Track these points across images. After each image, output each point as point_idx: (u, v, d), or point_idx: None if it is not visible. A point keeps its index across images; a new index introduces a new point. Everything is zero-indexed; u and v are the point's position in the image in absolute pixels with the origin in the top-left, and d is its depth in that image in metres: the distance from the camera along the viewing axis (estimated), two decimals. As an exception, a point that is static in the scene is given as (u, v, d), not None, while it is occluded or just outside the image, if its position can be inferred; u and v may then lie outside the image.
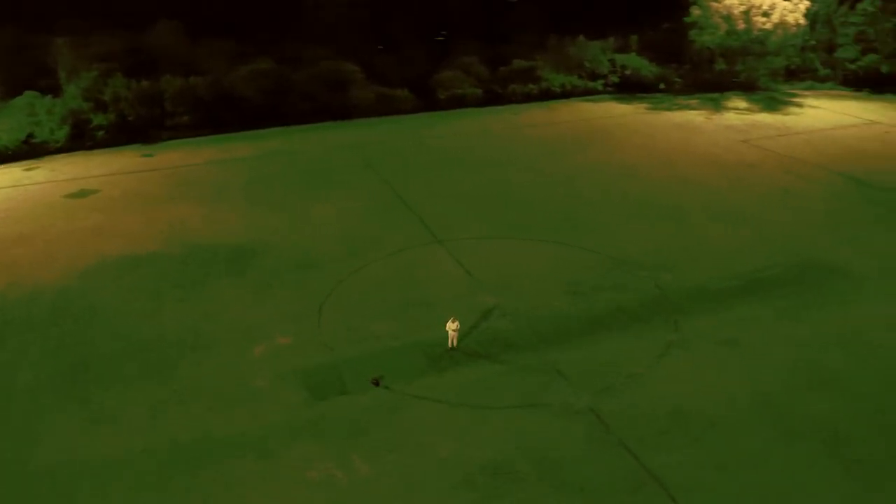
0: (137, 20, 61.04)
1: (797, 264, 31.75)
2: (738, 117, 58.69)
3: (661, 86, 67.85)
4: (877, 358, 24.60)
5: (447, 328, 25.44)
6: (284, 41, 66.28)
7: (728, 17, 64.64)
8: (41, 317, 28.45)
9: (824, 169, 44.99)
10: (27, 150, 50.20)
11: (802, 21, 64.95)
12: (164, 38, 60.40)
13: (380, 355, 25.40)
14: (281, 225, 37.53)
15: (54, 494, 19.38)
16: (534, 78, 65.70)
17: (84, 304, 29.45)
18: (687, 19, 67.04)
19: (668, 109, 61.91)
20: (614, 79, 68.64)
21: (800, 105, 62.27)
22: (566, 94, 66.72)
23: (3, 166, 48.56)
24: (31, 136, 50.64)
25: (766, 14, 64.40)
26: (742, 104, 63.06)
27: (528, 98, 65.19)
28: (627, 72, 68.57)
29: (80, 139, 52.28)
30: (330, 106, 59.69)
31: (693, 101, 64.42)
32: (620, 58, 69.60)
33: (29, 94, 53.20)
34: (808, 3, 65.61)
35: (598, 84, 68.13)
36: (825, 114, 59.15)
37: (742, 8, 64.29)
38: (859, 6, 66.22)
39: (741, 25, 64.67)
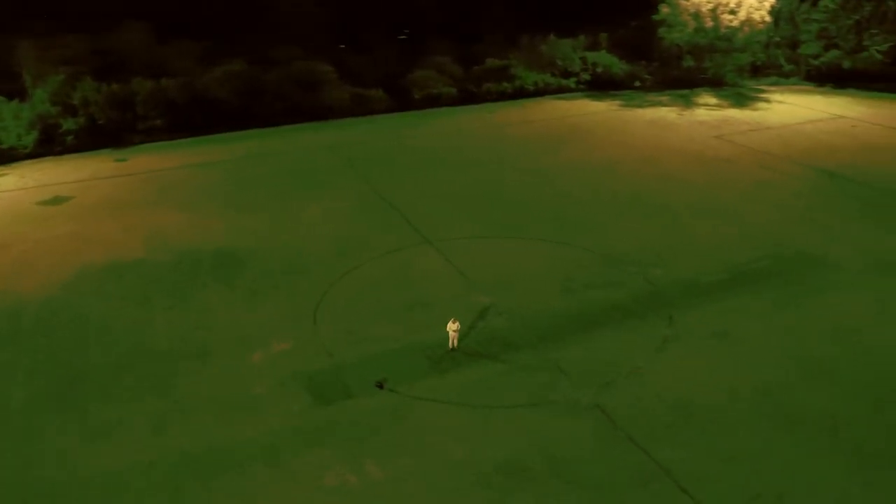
0: (101, 22, 59.67)
1: (782, 257, 32.53)
2: (710, 113, 59.83)
3: (637, 83, 68.74)
4: (867, 347, 25.34)
5: (448, 329, 25.48)
6: (254, 41, 65.53)
7: (696, 15, 65.82)
8: (28, 329, 27.69)
9: (797, 163, 46.13)
10: (-6, 157, 48.86)
11: (768, 18, 66.48)
12: (131, 39, 59.18)
13: (380, 358, 25.32)
14: (266, 228, 37.10)
15: (60, 511, 18.95)
16: (508, 76, 66.06)
17: (71, 314, 28.74)
18: (656, 17, 68.13)
19: (641, 106, 62.78)
20: (586, 76, 69.35)
21: (767, 101, 63.70)
22: (539, 92, 67.21)
23: (-31, 174, 47.15)
24: (-3, 142, 49.29)
25: (732, 12, 65.79)
26: (712, 100, 64.29)
27: (502, 96, 65.51)
28: (599, 69, 69.35)
29: (49, 144, 50.98)
30: (304, 107, 59.16)
31: (664, 98, 65.45)
32: (591, 56, 70.35)
33: (-6, 99, 51.78)
34: (772, 1, 67.18)
35: (571, 82, 68.77)
36: (793, 109, 60.64)
37: (710, 6, 65.58)
38: (821, 3, 67.93)
39: (709, 23, 65.92)
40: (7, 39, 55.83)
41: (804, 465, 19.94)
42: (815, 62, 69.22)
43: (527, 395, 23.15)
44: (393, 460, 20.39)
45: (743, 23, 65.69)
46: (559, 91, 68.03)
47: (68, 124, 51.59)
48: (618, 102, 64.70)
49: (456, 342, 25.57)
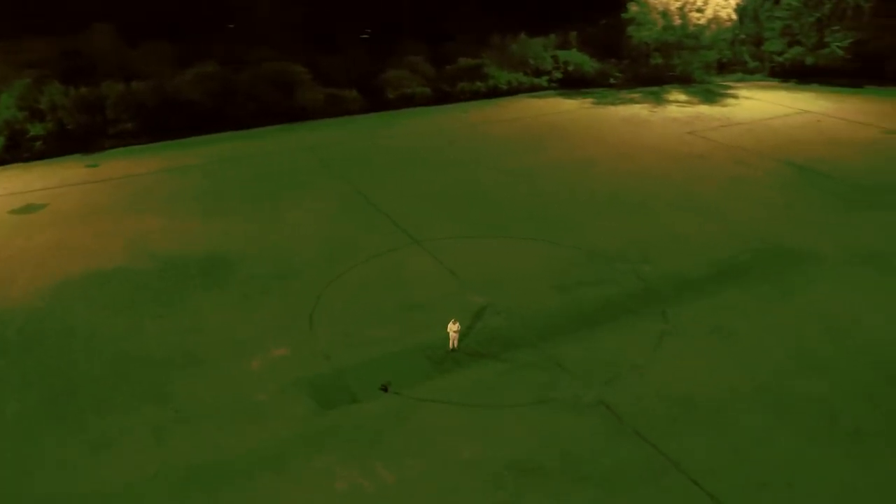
0: (67, 24, 58.24)
1: (765, 250, 33.28)
2: (681, 110, 60.83)
3: (612, 80, 69.47)
4: (857, 337, 26.11)
5: (448, 329, 25.49)
6: (224, 43, 64.66)
7: (665, 13, 66.86)
8: (14, 341, 26.86)
9: (769, 158, 47.21)
10: (-42, 165, 47.27)
11: (734, 16, 67.89)
12: (98, 41, 57.86)
13: (381, 361, 25.22)
14: (251, 233, 36.60)
15: (67, 528, 18.48)
16: (481, 76, 66.20)
17: (58, 325, 27.97)
18: (625, 15, 68.99)
19: (613, 104, 63.55)
20: (558, 75, 69.84)
21: (735, 97, 65.03)
22: (512, 90, 67.50)
23: (-67, 182, 45.53)
24: (-39, 148, 47.69)
25: (700, 10, 67.00)
26: (682, 97, 65.38)
27: (475, 96, 65.58)
28: (570, 68, 69.92)
29: (16, 150, 49.37)
30: (278, 108, 58.41)
31: (635, 95, 66.34)
32: (562, 54, 70.87)
33: (-45, 105, 50.07)
34: (738, -1, 68.72)
35: (543, 80, 69.21)
36: (760, 104, 62.02)
37: (678, 4, 66.67)
38: (784, 1, 69.57)
39: (677, 21, 67.03)
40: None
41: (806, 453, 20.48)
42: (779, 59, 70.87)
43: (531, 394, 23.30)
44: (403, 463, 20.35)
45: (710, 20, 66.95)
46: (532, 90, 68.42)
47: (36, 129, 50.07)
48: (590, 100, 65.38)
49: (456, 343, 25.60)
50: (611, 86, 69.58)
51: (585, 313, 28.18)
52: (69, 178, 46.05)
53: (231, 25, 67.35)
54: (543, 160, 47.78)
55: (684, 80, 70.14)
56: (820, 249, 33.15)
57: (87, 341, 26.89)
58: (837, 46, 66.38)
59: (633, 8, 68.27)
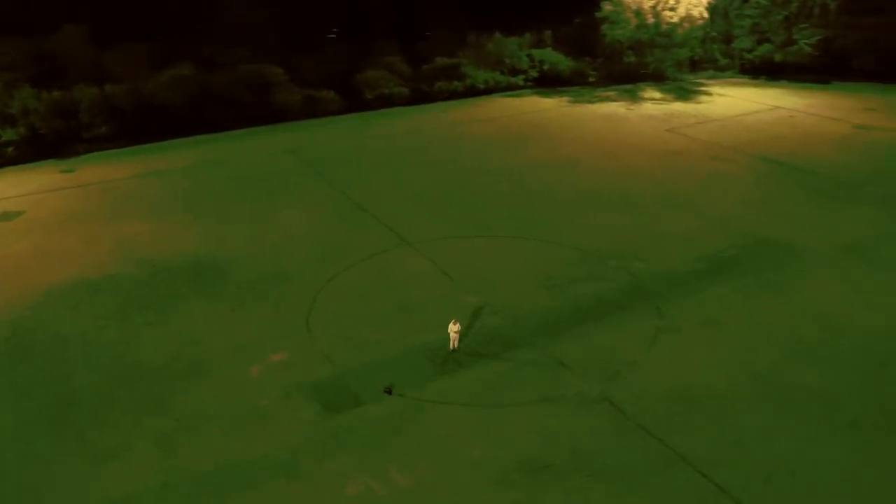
0: (36, 26, 56.85)
1: (750, 245, 33.98)
2: (657, 107, 61.69)
3: (591, 79, 70.06)
4: (847, 327, 26.85)
5: (449, 330, 25.57)
6: (197, 44, 63.68)
7: (638, 12, 67.75)
8: (4, 353, 26.23)
9: (746, 154, 48.17)
10: (-72, 172, 45.92)
11: (706, 14, 69.07)
12: (69, 44, 56.58)
13: (382, 363, 25.21)
14: (239, 236, 36.23)
15: (77, 542, 18.18)
16: (459, 75, 66.32)
17: (48, 335, 27.38)
18: (599, 14, 69.74)
19: (591, 102, 64.18)
20: (534, 74, 70.29)
21: (709, 93, 66.16)
22: (489, 90, 67.72)
23: None
24: (-70, 155, 46.38)
25: (672, 9, 68.02)
26: (657, 94, 66.29)
27: (453, 95, 65.63)
28: (546, 67, 70.43)
29: (-13, 156, 48.26)
30: (255, 110, 57.85)
31: (611, 93, 67.07)
32: (538, 53, 71.35)
33: (-77, 110, 48.65)
34: (709, -3, 69.95)
35: (520, 79, 69.59)
36: (733, 101, 63.18)
37: (651, 2, 67.60)
38: (752, 0, 71.02)
39: (650, 19, 67.97)
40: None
41: (807, 442, 21.02)
42: (749, 56, 72.27)
43: (534, 392, 23.51)
44: (414, 465, 20.39)
45: (682, 19, 68.01)
46: (508, 89, 68.74)
47: (7, 135, 48.83)
48: (567, 99, 65.93)
49: (457, 343, 25.70)
50: (586, 84, 70.24)
51: (581, 310, 28.50)
52: (45, 185, 45.05)
53: (202, 26, 66.26)
54: (527, 159, 48.08)
55: (658, 78, 71.13)
56: (803, 243, 33.96)
57: (81, 351, 26.38)
58: (805, 44, 67.95)
59: (607, 7, 69.09)
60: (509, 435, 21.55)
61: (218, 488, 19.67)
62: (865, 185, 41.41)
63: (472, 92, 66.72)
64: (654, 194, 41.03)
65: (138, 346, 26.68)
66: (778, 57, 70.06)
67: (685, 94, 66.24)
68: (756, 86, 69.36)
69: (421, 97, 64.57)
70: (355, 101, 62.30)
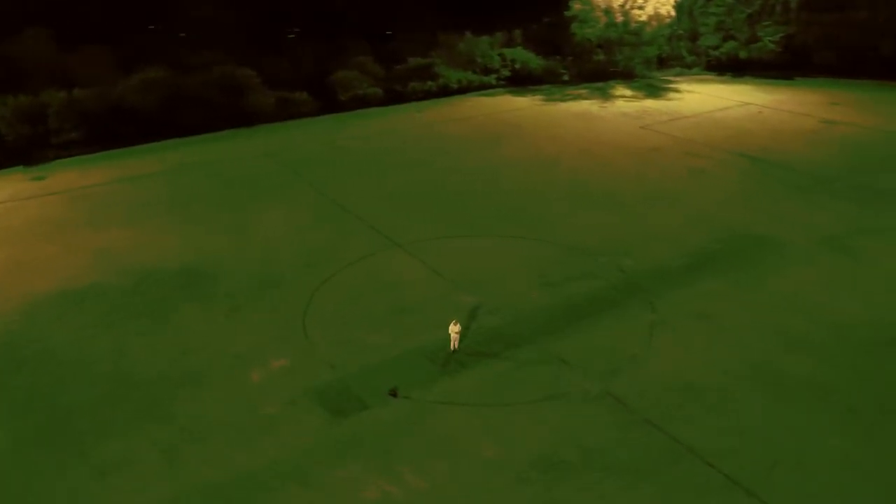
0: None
1: (733, 239, 34.77)
2: (628, 104, 62.60)
3: (565, 78, 70.59)
4: (834, 317, 27.68)
5: (450, 331, 25.64)
6: (163, 45, 62.58)
7: (608, 11, 68.65)
8: (-7, 367, 25.53)
9: (721, 149, 49.20)
10: None
11: (673, 13, 70.31)
12: (32, 47, 55.05)
13: (384, 366, 25.17)
14: (225, 242, 35.73)
15: (91, 559, 17.79)
16: (432, 75, 66.36)
17: (37, 348, 26.68)
18: (568, 13, 70.46)
19: (563, 100, 64.82)
20: (506, 73, 70.75)
21: (678, 90, 67.38)
22: (462, 89, 67.95)
23: None
24: None
25: (640, 7, 69.08)
26: (627, 92, 67.27)
27: (427, 95, 65.73)
28: (517, 65, 70.90)
29: (-48, 164, 46.74)
30: (229, 112, 57.09)
31: (582, 91, 67.86)
32: (509, 52, 71.82)
33: None
34: (676, -4, 71.23)
35: (492, 78, 69.99)
36: (702, 97, 64.47)
37: (620, 1, 68.53)
38: (717, -3, 72.73)
39: (619, 18, 68.92)
40: None
41: (807, 430, 21.64)
42: (715, 53, 73.89)
43: (539, 390, 23.73)
44: (427, 467, 20.43)
45: (651, 17, 69.12)
46: (481, 88, 69.08)
47: (-27, 142, 47.51)
48: (539, 97, 66.48)
49: (457, 343, 25.79)
50: (557, 82, 70.86)
51: (577, 307, 28.83)
52: (16, 193, 43.81)
53: (168, 27, 65.15)
54: (505, 158, 48.37)
55: (627, 76, 72.20)
56: (783, 236, 34.86)
57: (73, 364, 25.75)
58: (769, 40, 69.66)
59: (577, 6, 69.88)
60: (518, 433, 21.72)
61: (229, 498, 19.43)
62: (837, 180, 42.65)
63: (446, 91, 66.88)
64: (635, 191, 41.66)
65: (132, 357, 26.16)
66: (743, 54, 71.78)
67: (655, 91, 67.35)
68: (722, 82, 70.88)
69: (395, 97, 64.48)
70: (329, 103, 61.93)
